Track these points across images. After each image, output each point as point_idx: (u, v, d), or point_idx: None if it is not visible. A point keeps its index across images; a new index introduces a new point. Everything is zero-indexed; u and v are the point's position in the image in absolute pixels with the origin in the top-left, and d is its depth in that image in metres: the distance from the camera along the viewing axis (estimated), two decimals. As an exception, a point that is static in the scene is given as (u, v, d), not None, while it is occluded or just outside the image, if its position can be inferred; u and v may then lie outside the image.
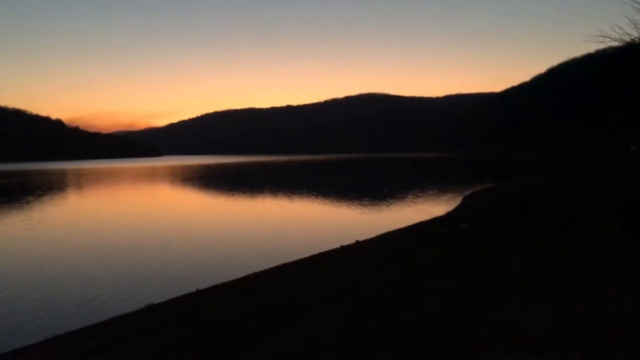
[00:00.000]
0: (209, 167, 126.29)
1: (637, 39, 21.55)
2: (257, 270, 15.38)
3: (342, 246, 18.52)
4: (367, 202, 36.98)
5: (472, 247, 14.39)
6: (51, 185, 63.70)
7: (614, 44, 22.62)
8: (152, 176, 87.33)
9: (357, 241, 19.43)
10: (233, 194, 47.14)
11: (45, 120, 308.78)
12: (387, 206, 34.44)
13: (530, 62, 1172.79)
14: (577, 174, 43.19)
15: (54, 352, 8.96)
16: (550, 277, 9.43)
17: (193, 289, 13.53)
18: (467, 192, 39.49)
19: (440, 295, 9.31)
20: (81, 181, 74.74)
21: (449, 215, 26.56)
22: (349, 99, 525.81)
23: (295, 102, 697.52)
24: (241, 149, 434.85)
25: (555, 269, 10.02)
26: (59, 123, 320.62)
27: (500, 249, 13.22)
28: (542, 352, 5.82)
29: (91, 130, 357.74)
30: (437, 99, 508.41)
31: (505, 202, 27.57)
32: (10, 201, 42.66)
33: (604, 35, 21.48)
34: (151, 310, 11.63)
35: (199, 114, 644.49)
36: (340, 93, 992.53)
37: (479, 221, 20.70)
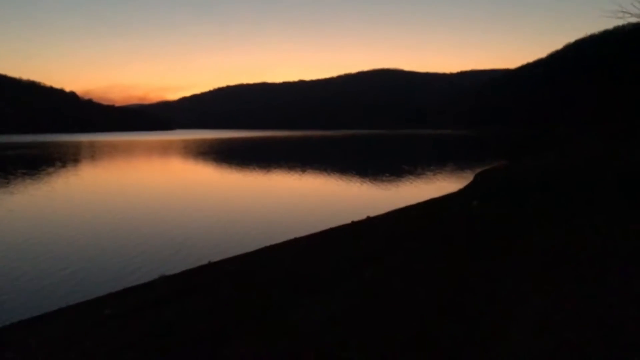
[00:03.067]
0: (222, 142, 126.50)
1: (658, 15, 21.04)
2: (269, 244, 15.47)
3: (353, 222, 18.54)
4: (381, 179, 36.90)
5: (483, 224, 14.31)
6: (69, 157, 64.30)
7: (634, 20, 22.11)
8: (166, 150, 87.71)
9: (368, 217, 19.45)
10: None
11: (59, 93, 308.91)
12: (400, 182, 34.35)
13: (547, 38, 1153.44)
14: (592, 151, 42.65)
15: (69, 321, 9.11)
16: (562, 255, 9.37)
17: (206, 261, 13.65)
18: (481, 170, 39.22)
19: (450, 274, 9.29)
20: (98, 154, 75.28)
21: (460, 192, 26.43)
22: (362, 75, 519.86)
23: (307, 77, 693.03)
24: (253, 123, 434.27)
25: (569, 247, 9.95)
26: (72, 95, 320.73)
27: (512, 227, 13.13)
28: (555, 329, 5.81)
29: (104, 103, 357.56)
30: (451, 75, 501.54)
31: (518, 179, 27.33)
32: (32, 172, 43.13)
33: (624, 11, 20.99)
34: (164, 281, 11.77)
35: (211, 88, 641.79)
36: (353, 68, 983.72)
37: (491, 199, 20.57)
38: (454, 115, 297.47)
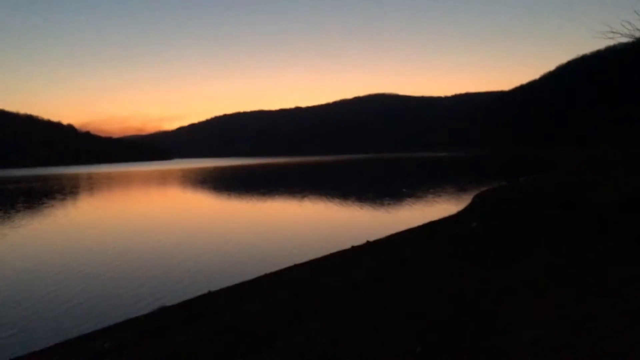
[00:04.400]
0: (220, 170, 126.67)
1: (646, 35, 21.32)
2: (268, 271, 15.43)
3: (352, 247, 18.53)
4: (380, 203, 36.90)
5: (483, 246, 14.33)
6: (69, 190, 64.29)
7: (624, 40, 22.38)
8: (165, 180, 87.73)
9: (368, 241, 19.43)
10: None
11: (57, 126, 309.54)
12: (399, 206, 34.37)
13: (539, 60, 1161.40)
14: (588, 171, 42.86)
15: (68, 354, 9.04)
16: (562, 276, 9.37)
17: (205, 291, 13.60)
18: (478, 191, 39.32)
19: (452, 294, 9.29)
20: (96, 185, 75.26)
21: (460, 214, 26.48)
22: (357, 100, 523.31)
23: (304, 104, 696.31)
24: (251, 151, 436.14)
25: (568, 268, 9.95)
26: (70, 128, 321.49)
27: (511, 248, 13.15)
28: (555, 349, 5.80)
29: (102, 135, 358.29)
30: (446, 98, 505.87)
31: (516, 200, 27.43)
32: (33, 206, 43.11)
33: (614, 31, 21.26)
34: (164, 312, 11.71)
35: (208, 117, 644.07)
36: (348, 94, 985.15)
37: (489, 220, 20.61)
38: (450, 138, 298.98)
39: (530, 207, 22.75)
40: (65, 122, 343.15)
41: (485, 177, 62.89)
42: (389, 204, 36.11)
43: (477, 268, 11.28)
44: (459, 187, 47.86)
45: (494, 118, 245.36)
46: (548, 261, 10.86)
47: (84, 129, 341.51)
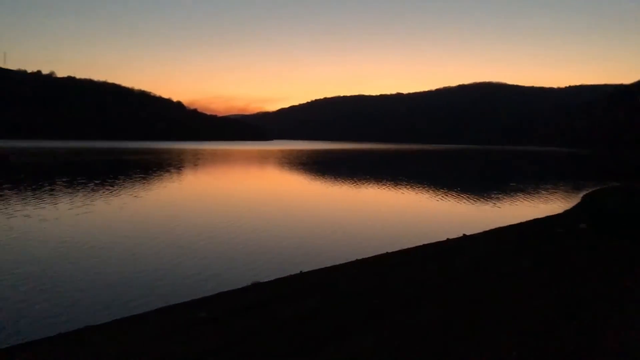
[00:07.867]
0: (319, 153, 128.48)
1: None
2: (360, 257, 15.40)
3: (448, 239, 18.03)
4: (480, 195, 35.63)
5: (591, 249, 13.35)
6: (179, 164, 68.37)
7: None
8: (266, 159, 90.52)
9: (465, 235, 18.82)
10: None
11: (167, 102, 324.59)
12: (499, 200, 32.99)
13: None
14: None
15: (166, 321, 9.56)
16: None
17: (297, 271, 13.83)
18: (588, 191, 36.82)
19: (551, 298, 8.73)
20: (204, 161, 79.29)
21: (566, 213, 24.94)
22: (462, 88, 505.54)
23: (405, 90, 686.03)
24: (350, 136, 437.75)
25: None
26: (179, 105, 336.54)
27: (622, 254, 12.14)
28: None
29: (208, 112, 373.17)
30: (559, 89, 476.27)
31: (630, 203, 25.34)
32: (147, 177, 46.27)
33: None
34: (256, 287, 12.05)
35: (308, 100, 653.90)
36: (453, 81, 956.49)
37: (599, 222, 19.20)
38: (561, 132, 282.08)
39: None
40: (175, 99, 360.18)
41: (598, 177, 58.71)
42: (489, 197, 34.77)
43: (581, 273, 10.53)
44: (567, 185, 45.14)
45: (611, 114, 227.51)
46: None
47: (191, 107, 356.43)
